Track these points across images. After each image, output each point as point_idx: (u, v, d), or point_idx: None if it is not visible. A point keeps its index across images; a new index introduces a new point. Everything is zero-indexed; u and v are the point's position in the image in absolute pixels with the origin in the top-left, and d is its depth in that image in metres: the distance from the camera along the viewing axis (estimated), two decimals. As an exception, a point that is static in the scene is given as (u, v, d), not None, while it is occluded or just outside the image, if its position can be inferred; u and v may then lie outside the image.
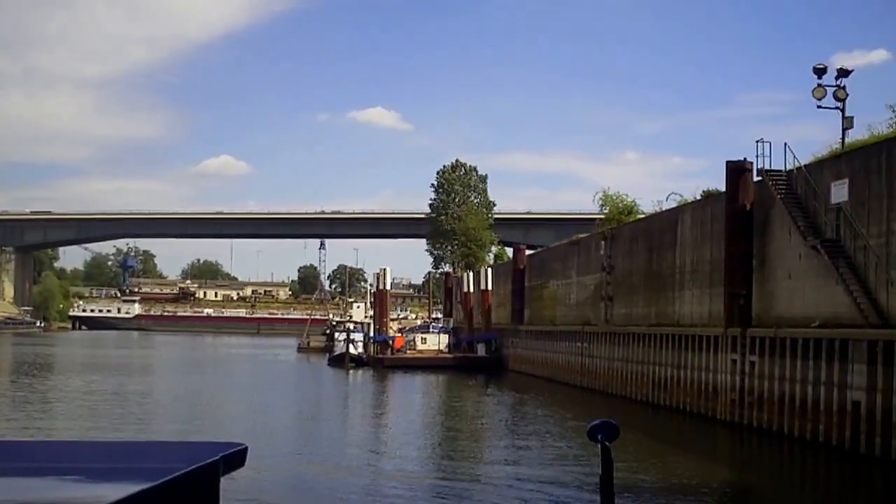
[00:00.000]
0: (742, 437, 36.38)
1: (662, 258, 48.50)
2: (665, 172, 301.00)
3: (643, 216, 55.69)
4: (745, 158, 38.12)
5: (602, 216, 61.29)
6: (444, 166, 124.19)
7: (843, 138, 35.21)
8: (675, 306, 46.70)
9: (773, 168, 36.81)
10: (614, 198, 59.60)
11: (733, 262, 38.67)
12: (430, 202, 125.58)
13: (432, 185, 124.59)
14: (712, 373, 40.09)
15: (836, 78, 36.28)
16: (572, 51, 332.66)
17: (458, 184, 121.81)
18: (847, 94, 35.72)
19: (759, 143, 37.34)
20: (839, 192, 33.08)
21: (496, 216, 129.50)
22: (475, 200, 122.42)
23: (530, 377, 66.62)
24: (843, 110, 35.61)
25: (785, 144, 36.84)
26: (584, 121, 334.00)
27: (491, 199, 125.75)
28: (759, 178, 37.59)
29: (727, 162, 38.92)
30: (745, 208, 38.38)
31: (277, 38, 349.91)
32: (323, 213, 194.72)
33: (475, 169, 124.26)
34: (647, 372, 47.53)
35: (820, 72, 35.96)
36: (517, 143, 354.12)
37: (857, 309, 30.76)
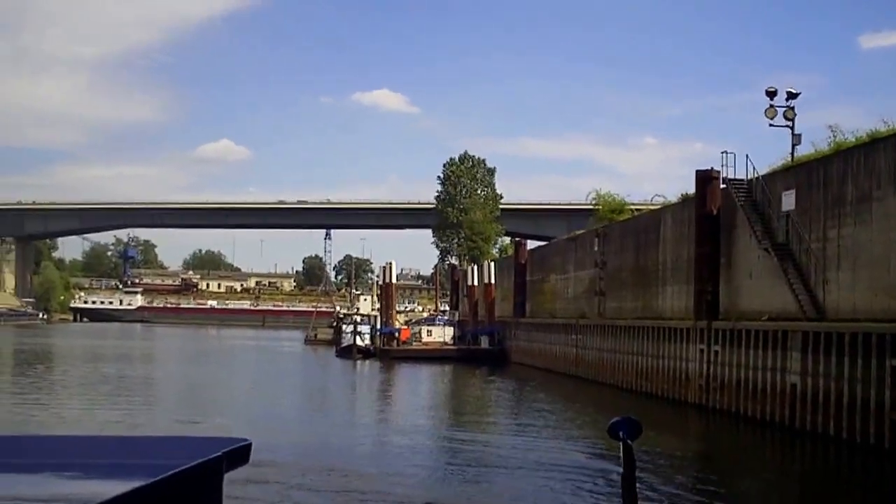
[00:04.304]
0: (707, 419, 43.07)
1: (648, 256, 55.20)
2: (685, 158, 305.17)
3: (631, 216, 62.42)
4: (711, 168, 44.91)
5: (598, 206, 68.21)
6: (452, 158, 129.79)
7: (792, 153, 42.16)
8: (658, 301, 53.41)
9: (736, 178, 43.53)
10: (606, 197, 66.45)
11: (702, 261, 45.42)
12: (436, 194, 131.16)
13: (439, 177, 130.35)
14: (684, 361, 46.81)
15: (787, 99, 43.31)
16: (587, 34, 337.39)
17: (465, 176, 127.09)
18: (795, 114, 42.75)
19: (724, 154, 44.14)
20: (788, 201, 39.80)
21: (505, 206, 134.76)
22: (482, 193, 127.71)
23: (531, 368, 72.98)
24: (792, 129, 42.64)
25: (746, 156, 43.68)
26: (600, 105, 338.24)
27: (498, 191, 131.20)
28: (725, 185, 44.38)
29: (696, 171, 45.82)
30: (713, 213, 45.11)
31: (278, 18, 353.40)
32: (328, 202, 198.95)
33: (483, 161, 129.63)
34: (631, 362, 54.20)
35: (772, 94, 42.99)
36: (529, 127, 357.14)
37: (798, 305, 37.51)
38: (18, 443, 5.19)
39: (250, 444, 4.73)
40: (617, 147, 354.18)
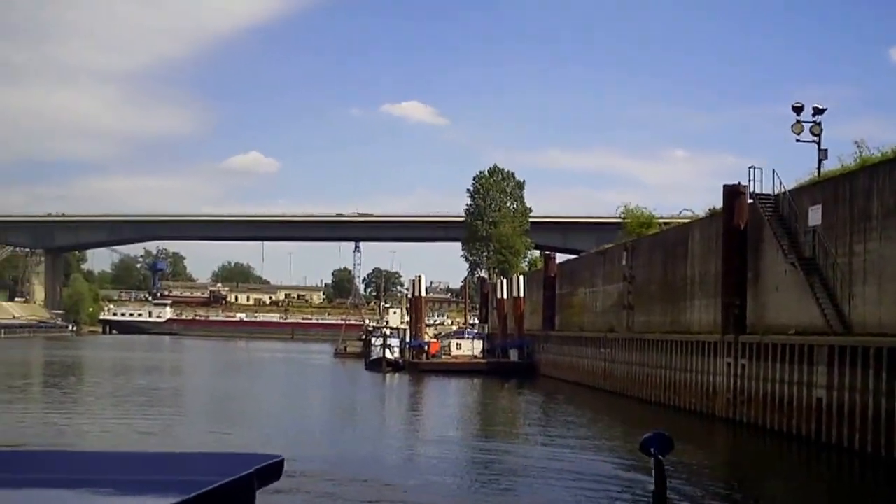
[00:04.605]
0: (735, 432, 43.56)
1: (676, 270, 55.74)
2: (715, 170, 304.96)
3: (659, 230, 62.97)
4: (738, 183, 45.44)
5: (626, 220, 68.84)
6: (481, 171, 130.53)
7: (818, 168, 42.73)
8: (686, 315, 53.92)
9: (763, 192, 44.08)
10: (635, 211, 67.05)
11: (729, 276, 45.97)
12: (466, 207, 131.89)
13: (468, 190, 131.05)
14: (711, 375, 47.32)
15: (813, 115, 43.87)
16: (616, 45, 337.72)
17: (494, 189, 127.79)
18: (822, 130, 43.29)
19: (751, 170, 44.72)
20: (814, 215, 40.34)
21: (534, 219, 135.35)
22: (511, 206, 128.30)
23: (560, 381, 73.47)
24: (818, 144, 43.16)
25: (773, 171, 44.18)
26: (630, 117, 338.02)
27: (528, 205, 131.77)
28: (752, 200, 44.94)
29: (724, 186, 46.37)
30: (740, 227, 45.66)
31: (307, 30, 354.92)
32: (358, 214, 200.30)
33: (512, 174, 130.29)
34: (660, 375, 54.73)
35: (798, 110, 43.57)
36: (558, 139, 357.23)
37: (825, 319, 38.03)
38: (52, 458, 5.28)
39: (282, 461, 4.88)
40: (647, 159, 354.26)
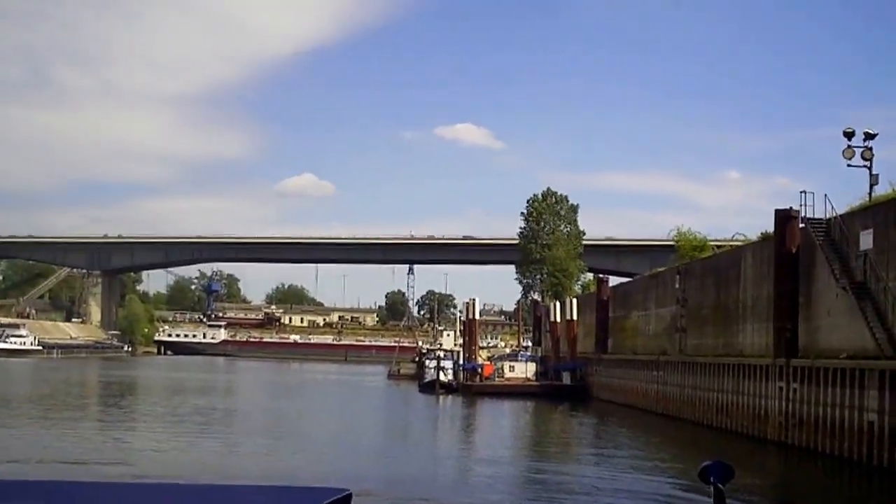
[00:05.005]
0: (787, 455, 43.93)
1: (728, 293, 56.11)
2: (770, 192, 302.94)
3: (712, 254, 63.36)
4: (790, 207, 45.93)
5: (679, 243, 69.33)
6: (535, 195, 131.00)
7: (870, 193, 43.11)
8: (738, 338, 54.26)
9: (815, 217, 44.53)
10: (687, 234, 67.50)
11: (781, 300, 46.40)
12: (519, 230, 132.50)
13: (522, 213, 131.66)
14: (763, 398, 47.70)
15: (864, 140, 44.30)
16: (669, 68, 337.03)
17: (547, 213, 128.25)
18: (873, 154, 43.65)
19: (803, 194, 45.21)
20: (866, 240, 40.75)
21: (587, 242, 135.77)
22: (565, 230, 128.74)
23: (613, 404, 73.88)
24: (870, 169, 43.60)
25: (825, 195, 44.67)
26: (684, 139, 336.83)
27: (581, 228, 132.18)
28: (804, 225, 45.36)
29: (776, 210, 46.89)
30: (792, 252, 46.10)
31: (361, 53, 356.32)
32: (412, 237, 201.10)
33: (566, 198, 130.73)
34: (712, 398, 55.10)
35: (849, 135, 44.06)
36: (611, 162, 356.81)
37: (876, 343, 38.40)
38: (114, 489, 5.24)
39: (350, 495, 4.78)
40: (700, 182, 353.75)
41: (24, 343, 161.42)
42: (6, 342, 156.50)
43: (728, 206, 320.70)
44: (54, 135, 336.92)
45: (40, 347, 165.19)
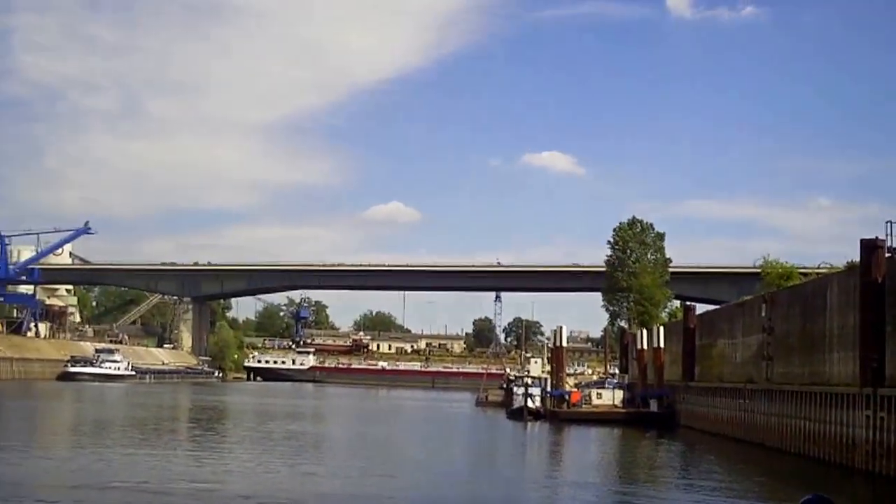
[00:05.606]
0: (874, 484, 44.36)
1: (814, 322, 56.45)
2: (861, 219, 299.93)
3: (799, 282, 63.74)
4: (877, 237, 46.48)
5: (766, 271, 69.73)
6: (621, 223, 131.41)
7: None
8: (825, 367, 54.59)
9: (901, 246, 45.10)
10: (773, 263, 67.92)
11: (867, 329, 46.80)
12: (606, 258, 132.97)
13: (609, 241, 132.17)
14: (850, 427, 48.09)
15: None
16: (756, 94, 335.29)
17: (633, 241, 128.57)
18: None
19: (889, 224, 45.81)
20: (951, 270, 41.28)
21: (673, 270, 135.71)
22: (651, 258, 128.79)
23: (699, 432, 74.17)
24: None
25: (911, 225, 45.21)
26: (771, 166, 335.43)
27: (668, 255, 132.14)
28: (890, 254, 45.87)
29: (861, 240, 47.38)
30: (878, 281, 46.58)
31: (448, 81, 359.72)
32: (498, 264, 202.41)
33: (652, 226, 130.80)
34: (798, 426, 55.49)
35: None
36: (698, 189, 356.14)
37: (961, 372, 38.93)
38: None
39: None
40: (789, 208, 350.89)
41: (119, 368, 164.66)
42: (101, 367, 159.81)
43: (817, 233, 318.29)
44: (146, 163, 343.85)
45: (134, 373, 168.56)
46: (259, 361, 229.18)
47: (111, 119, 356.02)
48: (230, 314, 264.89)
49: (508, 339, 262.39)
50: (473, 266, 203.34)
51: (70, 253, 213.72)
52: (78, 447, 51.43)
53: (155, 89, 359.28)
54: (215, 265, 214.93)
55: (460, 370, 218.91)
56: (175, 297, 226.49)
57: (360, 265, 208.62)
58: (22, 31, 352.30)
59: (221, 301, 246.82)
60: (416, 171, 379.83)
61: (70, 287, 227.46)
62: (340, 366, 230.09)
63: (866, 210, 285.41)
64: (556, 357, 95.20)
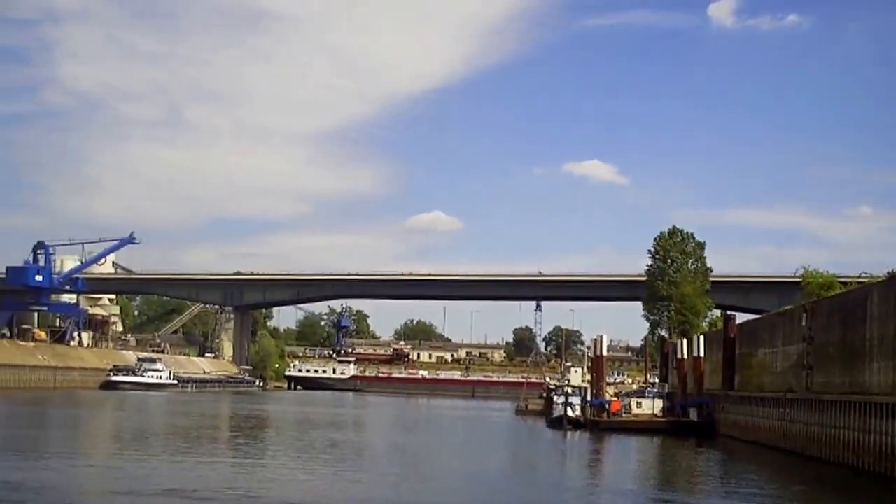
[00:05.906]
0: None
1: (855, 332, 56.53)
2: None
3: (839, 292, 63.75)
4: (915, 247, 46.69)
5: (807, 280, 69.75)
6: (662, 233, 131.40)
7: None
8: (865, 376, 54.67)
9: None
10: (814, 272, 67.97)
11: (906, 339, 47.04)
12: (646, 267, 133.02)
13: (649, 251, 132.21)
14: (890, 437, 48.19)
15: None
16: (795, 102, 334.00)
17: (674, 250, 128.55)
18: None
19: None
20: None
21: (714, 279, 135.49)
22: (692, 267, 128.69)
23: (739, 441, 74.17)
24: None
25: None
26: (813, 175, 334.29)
27: (708, 265, 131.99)
28: (929, 264, 46.10)
29: (900, 250, 47.55)
30: (918, 290, 46.77)
31: (491, 90, 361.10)
32: (540, 274, 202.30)
33: (692, 235, 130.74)
34: (838, 436, 55.55)
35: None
36: (738, 198, 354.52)
37: None
38: None
39: None
40: (831, 217, 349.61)
41: (161, 377, 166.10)
42: (144, 376, 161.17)
43: (859, 242, 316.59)
44: (189, 172, 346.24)
45: (175, 381, 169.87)
46: (300, 370, 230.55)
47: (154, 128, 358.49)
48: (271, 323, 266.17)
49: (548, 349, 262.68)
50: (514, 275, 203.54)
51: (112, 262, 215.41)
52: (121, 454, 52.06)
53: (198, 99, 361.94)
54: (257, 274, 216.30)
55: (500, 379, 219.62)
56: (217, 307, 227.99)
57: (401, 275, 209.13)
58: (65, 42, 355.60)
59: (263, 310, 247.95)
60: (457, 179, 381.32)
61: (112, 296, 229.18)
62: (381, 375, 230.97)
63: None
64: (597, 366, 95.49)
